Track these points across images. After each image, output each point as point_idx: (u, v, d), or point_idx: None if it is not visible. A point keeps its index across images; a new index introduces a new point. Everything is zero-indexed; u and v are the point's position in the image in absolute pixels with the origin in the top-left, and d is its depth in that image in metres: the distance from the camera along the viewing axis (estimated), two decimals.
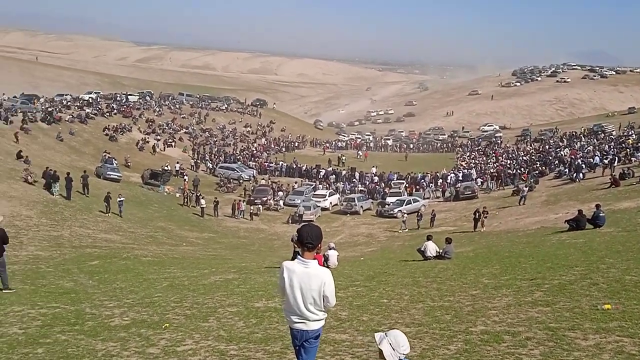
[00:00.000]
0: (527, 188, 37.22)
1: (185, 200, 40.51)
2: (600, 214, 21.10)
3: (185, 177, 46.86)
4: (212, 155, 61.34)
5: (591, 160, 46.80)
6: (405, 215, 35.41)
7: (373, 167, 58.03)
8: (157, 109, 74.61)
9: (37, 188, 31.00)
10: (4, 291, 11.73)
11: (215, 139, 69.81)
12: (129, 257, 20.91)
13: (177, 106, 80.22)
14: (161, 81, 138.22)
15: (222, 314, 9.74)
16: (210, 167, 55.83)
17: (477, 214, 28.41)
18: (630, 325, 6.83)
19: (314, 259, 4.69)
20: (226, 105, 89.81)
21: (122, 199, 31.48)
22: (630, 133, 61.93)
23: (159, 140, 60.58)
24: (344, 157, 66.23)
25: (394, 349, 3.81)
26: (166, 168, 48.55)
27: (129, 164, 49.98)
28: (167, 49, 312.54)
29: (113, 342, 7.88)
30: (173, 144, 62.19)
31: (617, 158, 44.96)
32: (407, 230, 33.55)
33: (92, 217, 29.63)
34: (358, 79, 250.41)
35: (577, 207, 24.79)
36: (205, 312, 9.98)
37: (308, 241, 4.60)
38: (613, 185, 34.43)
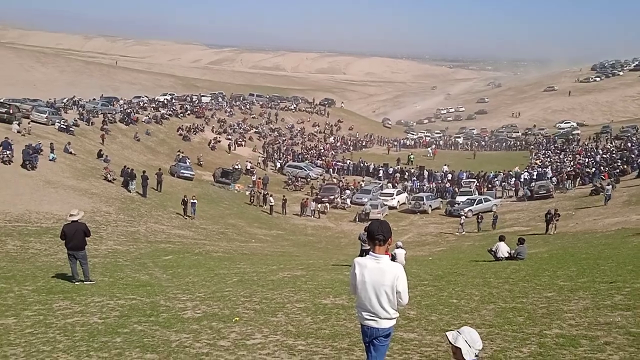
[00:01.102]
0: (611, 187, 35.34)
1: (252, 199, 41.06)
2: None
3: (255, 176, 47.80)
4: (281, 154, 62.19)
5: None
6: (464, 217, 34.07)
7: (445, 165, 56.82)
8: (229, 110, 76.40)
9: (116, 185, 32.60)
10: (85, 283, 12.35)
11: (284, 138, 70.69)
12: (200, 253, 21.57)
13: (248, 106, 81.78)
14: (232, 82, 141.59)
15: (290, 310, 9.82)
16: (279, 166, 56.62)
17: (549, 215, 27.28)
18: None
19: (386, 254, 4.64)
20: (295, 105, 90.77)
21: (194, 201, 31.93)
22: None
23: (230, 139, 62.07)
24: (412, 155, 65.39)
25: (470, 346, 3.72)
26: (237, 167, 49.70)
27: (202, 162, 51.57)
28: (238, 50, 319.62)
29: (186, 333, 8.12)
30: (243, 143, 63.54)
31: None
32: (464, 232, 32.49)
33: (167, 213, 30.81)
34: (427, 76, 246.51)
35: None
36: (274, 307, 10.09)
37: (379, 234, 4.54)
38: None
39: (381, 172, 55.75)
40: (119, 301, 10.49)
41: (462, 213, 35.74)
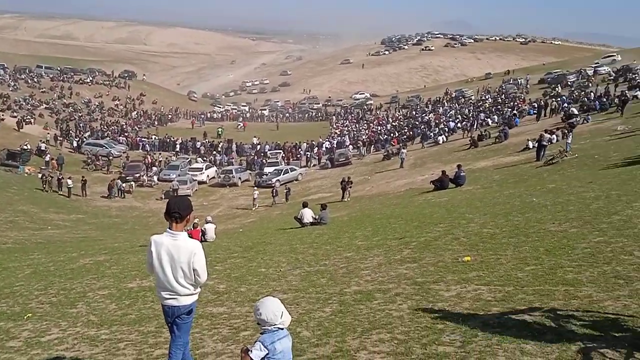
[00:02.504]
0: (406, 151, 38.88)
1: (45, 185, 36.23)
2: (461, 174, 22.76)
3: (48, 156, 43.33)
4: (78, 131, 57.27)
5: (452, 123, 50.20)
6: (257, 192, 34.26)
7: (254, 137, 57.55)
8: (12, 84, 68.17)
9: None
10: None
11: (80, 114, 65.27)
12: None
13: (36, 80, 73.79)
14: (16, 53, 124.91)
15: (92, 298, 9.22)
16: (76, 144, 52.05)
17: (343, 183, 28.74)
18: (487, 274, 7.42)
19: (187, 232, 4.54)
20: (91, 78, 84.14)
21: None
22: (486, 97, 67.07)
23: (15, 117, 55.30)
24: (220, 129, 64.99)
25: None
26: (25, 147, 44.42)
27: None
28: (22, 17, 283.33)
29: None
30: (32, 120, 57.11)
31: (475, 121, 48.60)
32: (257, 207, 32.96)
33: None
34: (231, 48, 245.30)
35: (440, 168, 26.47)
36: (74, 297, 9.39)
37: (175, 211, 4.42)
38: (472, 146, 37.25)
39: (189, 146, 54.71)
40: None
41: (272, 183, 36.69)
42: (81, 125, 60.03)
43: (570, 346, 4.70)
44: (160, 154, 52.20)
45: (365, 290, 7.52)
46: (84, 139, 53.19)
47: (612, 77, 57.55)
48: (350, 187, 28.73)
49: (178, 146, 55.45)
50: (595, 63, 73.44)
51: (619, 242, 7.99)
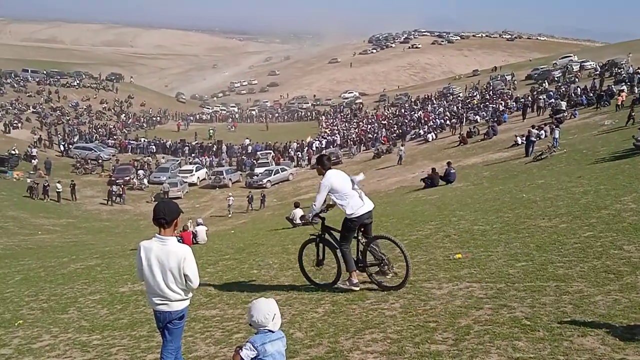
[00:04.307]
0: (404, 148, 38.76)
1: (32, 192, 35.50)
2: (451, 171, 22.87)
3: (36, 160, 43.00)
4: (66, 135, 56.91)
5: (441, 121, 50.36)
6: (231, 199, 33.58)
7: (246, 139, 57.40)
8: None
9: None
10: None
11: (67, 118, 64.85)
12: None
13: (22, 84, 73.26)
14: (1, 57, 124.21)
15: (83, 304, 9.14)
16: (63, 148, 51.66)
17: None
18: (478, 271, 7.45)
19: (176, 236, 4.51)
20: (78, 81, 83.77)
21: None
22: (474, 94, 67.35)
23: (0, 122, 54.88)
24: (211, 130, 64.79)
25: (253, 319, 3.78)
26: (13, 152, 44.06)
27: None
28: (5, 21, 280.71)
29: None
30: (20, 125, 56.70)
31: (464, 118, 48.80)
32: (231, 214, 32.38)
33: None
34: (219, 49, 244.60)
35: (431, 165, 26.58)
36: (65, 303, 9.31)
37: (160, 217, 4.39)
38: (461, 143, 37.40)
39: (179, 148, 54.55)
40: None
41: (263, 183, 36.61)
42: (69, 129, 59.65)
43: (562, 342, 4.73)
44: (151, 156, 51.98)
45: (357, 291, 7.51)
46: (72, 143, 52.84)
47: (597, 72, 57.98)
48: None
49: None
50: (554, 63, 74.79)
51: (609, 236, 8.05)
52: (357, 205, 7.11)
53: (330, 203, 7.51)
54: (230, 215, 32.04)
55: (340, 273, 7.61)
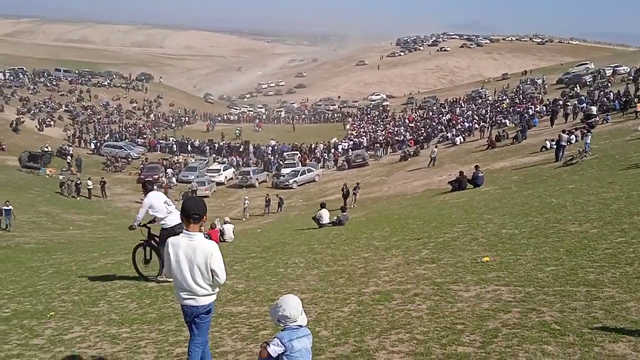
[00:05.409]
0: (437, 149, 38.44)
1: (63, 188, 35.94)
2: (479, 174, 22.62)
3: (69, 158, 44.00)
4: (97, 133, 58.00)
5: (470, 124, 49.84)
6: (247, 201, 32.78)
7: (272, 140, 57.68)
8: (32, 87, 69.20)
9: None
10: None
11: (98, 117, 66.02)
12: (9, 246, 19.41)
13: (54, 83, 74.80)
14: (34, 57, 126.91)
15: (113, 297, 9.29)
16: (94, 146, 52.66)
17: (345, 189, 26.91)
18: (506, 274, 7.38)
19: (206, 233, 4.57)
20: (109, 81, 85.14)
21: (8, 207, 24.57)
22: (504, 98, 66.49)
23: (34, 120, 56.24)
24: (238, 131, 65.30)
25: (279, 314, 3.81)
26: (46, 149, 45.10)
27: (3, 146, 45.91)
28: (39, 22, 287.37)
29: None
30: (52, 123, 57.97)
31: (492, 121, 48.20)
32: (248, 217, 31.65)
33: None
34: (247, 50, 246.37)
35: (458, 168, 26.31)
36: (95, 296, 9.47)
37: (195, 212, 4.46)
38: (490, 147, 36.94)
39: (207, 148, 55.03)
40: None
41: (289, 184, 36.67)
42: (100, 127, 60.76)
43: (592, 347, 4.65)
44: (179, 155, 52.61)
45: (383, 291, 7.51)
46: (103, 141, 53.83)
47: (631, 77, 56.71)
48: (356, 193, 27.68)
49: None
50: (567, 73, 72.77)
51: None
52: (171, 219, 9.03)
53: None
54: (244, 220, 31.03)
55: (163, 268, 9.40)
